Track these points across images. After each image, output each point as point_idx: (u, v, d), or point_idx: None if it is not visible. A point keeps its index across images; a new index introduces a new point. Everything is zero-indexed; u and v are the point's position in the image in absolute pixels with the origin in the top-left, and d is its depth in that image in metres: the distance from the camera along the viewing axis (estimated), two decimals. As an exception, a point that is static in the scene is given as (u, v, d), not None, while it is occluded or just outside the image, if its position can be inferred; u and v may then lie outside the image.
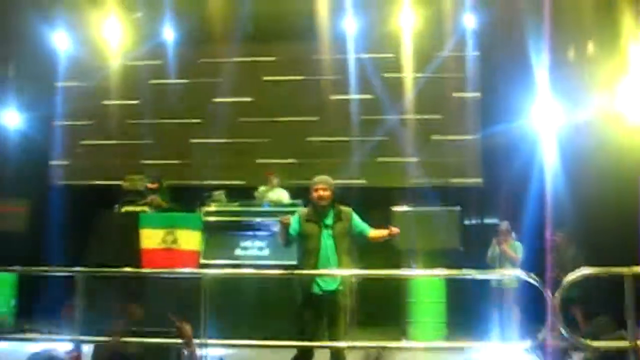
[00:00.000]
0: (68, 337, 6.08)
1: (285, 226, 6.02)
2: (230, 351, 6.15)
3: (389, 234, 5.98)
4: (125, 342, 5.51)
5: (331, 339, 5.88)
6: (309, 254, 5.99)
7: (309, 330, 5.90)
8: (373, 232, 6.09)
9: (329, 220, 6.02)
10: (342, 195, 6.27)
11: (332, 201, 6.07)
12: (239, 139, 12.15)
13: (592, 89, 9.83)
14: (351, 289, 6.13)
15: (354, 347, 5.89)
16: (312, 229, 6.01)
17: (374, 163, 11.75)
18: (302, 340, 5.89)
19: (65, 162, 12.56)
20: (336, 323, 5.91)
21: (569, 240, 9.19)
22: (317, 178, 6.17)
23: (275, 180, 10.29)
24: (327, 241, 5.98)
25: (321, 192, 6.04)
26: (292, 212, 6.29)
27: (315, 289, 5.95)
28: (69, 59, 12.60)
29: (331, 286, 5.95)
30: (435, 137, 11.77)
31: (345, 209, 6.13)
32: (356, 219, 6.12)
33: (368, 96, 11.98)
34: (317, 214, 6.06)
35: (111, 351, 3.58)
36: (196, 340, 5.81)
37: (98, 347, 6.03)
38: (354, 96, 12.02)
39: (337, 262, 5.94)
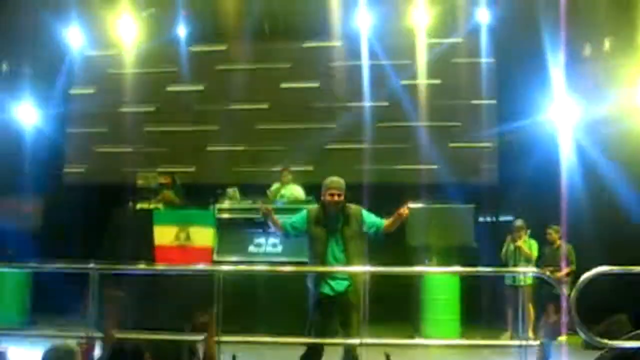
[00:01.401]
0: (81, 334, 6.09)
1: (267, 215, 5.99)
2: (243, 349, 6.12)
3: (399, 215, 5.83)
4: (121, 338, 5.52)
5: (347, 335, 5.85)
6: (315, 258, 5.95)
7: (317, 330, 5.86)
8: (387, 222, 5.96)
9: (338, 224, 5.92)
10: (356, 194, 6.20)
11: (343, 204, 5.98)
12: (254, 145, 12.16)
13: (608, 85, 9.74)
14: (363, 287, 6.08)
15: (366, 345, 5.86)
16: (319, 232, 5.93)
17: (389, 161, 11.70)
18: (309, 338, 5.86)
19: (79, 165, 12.60)
20: (348, 323, 5.85)
21: (561, 235, 9.18)
22: (330, 181, 6.01)
23: (289, 177, 10.26)
24: (334, 245, 5.90)
25: (336, 198, 5.90)
26: (308, 208, 6.26)
27: (326, 289, 5.91)
28: (82, 57, 12.64)
29: (341, 287, 5.89)
30: (451, 131, 11.67)
31: (354, 208, 6.00)
32: (367, 217, 5.99)
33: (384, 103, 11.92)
34: (325, 217, 5.96)
35: (124, 348, 3.57)
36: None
37: (115, 344, 6.05)
38: (368, 103, 11.93)
39: (346, 265, 5.87)
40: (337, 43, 12.09)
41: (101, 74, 12.62)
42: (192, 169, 12.03)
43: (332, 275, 5.90)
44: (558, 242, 9.21)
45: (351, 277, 5.88)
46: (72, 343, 3.69)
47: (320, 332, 5.86)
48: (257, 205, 9.36)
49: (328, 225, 5.93)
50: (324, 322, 5.88)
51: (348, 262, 5.86)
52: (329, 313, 5.88)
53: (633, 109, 9.60)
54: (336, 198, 5.90)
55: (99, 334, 6.06)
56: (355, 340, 5.84)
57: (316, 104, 11.92)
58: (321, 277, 5.92)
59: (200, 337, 6.06)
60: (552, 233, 9.21)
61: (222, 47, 12.54)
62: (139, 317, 7.31)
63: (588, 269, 5.37)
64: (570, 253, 9.08)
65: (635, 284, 5.39)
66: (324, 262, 5.88)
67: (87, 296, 6.37)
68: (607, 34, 10.28)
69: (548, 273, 6.20)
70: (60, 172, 12.49)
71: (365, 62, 11.93)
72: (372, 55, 11.89)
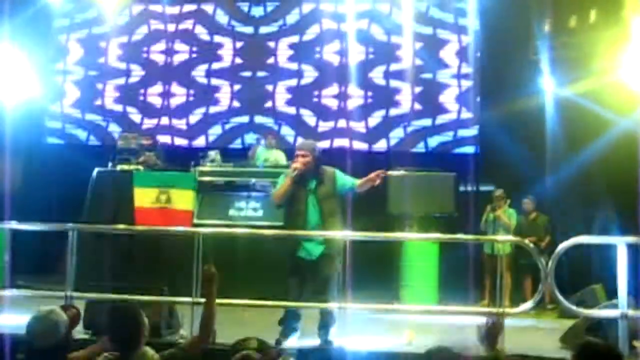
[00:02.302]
0: (60, 293, 6.09)
1: (297, 175, 5.94)
2: (222, 311, 6.14)
3: (371, 179, 5.94)
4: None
5: (321, 302, 5.91)
6: (296, 217, 6.00)
7: (293, 293, 5.94)
8: (358, 182, 6.05)
9: (312, 184, 6.00)
10: (338, 158, 6.21)
11: (316, 165, 6.03)
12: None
13: (593, 57, 9.74)
14: (341, 251, 6.12)
15: (345, 309, 5.90)
16: (299, 191, 6.00)
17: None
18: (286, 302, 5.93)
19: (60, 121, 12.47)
20: (325, 287, 5.92)
21: (537, 206, 9.27)
22: (299, 143, 6.12)
23: (272, 141, 10.24)
24: (312, 205, 5.97)
25: (301, 158, 5.98)
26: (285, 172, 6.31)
27: (302, 254, 5.96)
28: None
29: (318, 251, 5.95)
30: (435, 101, 11.67)
31: (328, 169, 6.09)
32: (340, 177, 6.09)
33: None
34: (301, 178, 6.02)
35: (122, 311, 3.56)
36: (188, 299, 5.84)
37: (91, 304, 6.06)
38: (354, 58, 11.82)
39: (322, 225, 5.93)
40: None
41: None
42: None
43: (309, 238, 5.95)
44: (533, 213, 9.29)
45: (326, 241, 5.95)
46: (58, 310, 3.64)
47: (296, 296, 5.93)
48: (240, 169, 9.36)
49: (304, 185, 6.00)
50: (300, 286, 5.96)
51: (323, 222, 5.94)
52: (304, 278, 5.97)
53: (617, 82, 9.62)
54: (301, 159, 5.96)
55: (78, 294, 6.08)
56: (334, 304, 5.90)
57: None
58: (298, 240, 5.98)
59: (180, 299, 6.11)
60: (528, 203, 9.30)
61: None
62: (118, 278, 7.34)
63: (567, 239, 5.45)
64: (545, 224, 9.18)
65: (611, 255, 5.46)
66: (304, 220, 5.94)
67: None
68: (593, 6, 10.25)
69: (527, 241, 6.26)
70: (42, 131, 12.34)
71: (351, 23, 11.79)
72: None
